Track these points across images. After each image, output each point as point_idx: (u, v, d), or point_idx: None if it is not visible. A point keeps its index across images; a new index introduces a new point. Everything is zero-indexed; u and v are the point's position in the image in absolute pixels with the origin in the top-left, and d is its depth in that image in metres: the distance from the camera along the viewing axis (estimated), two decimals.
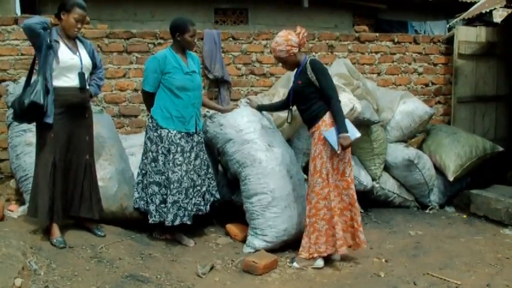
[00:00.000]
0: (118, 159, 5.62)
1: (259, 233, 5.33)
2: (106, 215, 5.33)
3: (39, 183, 4.77)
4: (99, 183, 5.26)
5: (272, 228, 5.29)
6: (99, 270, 4.49)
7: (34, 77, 4.74)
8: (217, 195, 5.68)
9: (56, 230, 4.82)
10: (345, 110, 4.83)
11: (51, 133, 4.72)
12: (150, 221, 5.32)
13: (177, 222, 5.25)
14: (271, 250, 5.24)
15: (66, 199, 4.93)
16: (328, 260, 5.09)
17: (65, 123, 4.80)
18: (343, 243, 4.95)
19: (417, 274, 4.86)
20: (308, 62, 4.98)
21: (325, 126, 4.89)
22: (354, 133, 4.92)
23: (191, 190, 5.33)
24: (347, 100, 4.89)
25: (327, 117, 4.91)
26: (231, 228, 5.82)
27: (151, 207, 5.32)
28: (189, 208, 5.31)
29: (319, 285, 4.67)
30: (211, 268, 4.87)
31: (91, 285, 4.20)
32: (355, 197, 5.10)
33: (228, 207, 6.12)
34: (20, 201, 5.72)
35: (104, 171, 5.44)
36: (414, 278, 4.75)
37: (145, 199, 5.40)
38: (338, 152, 4.85)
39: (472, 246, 5.64)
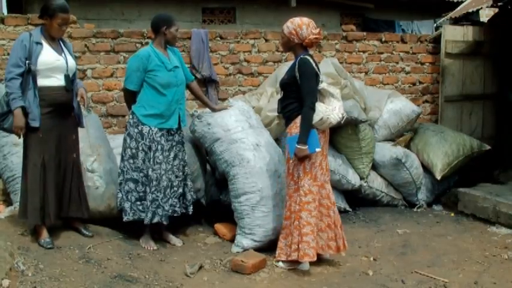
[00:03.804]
0: (105, 159, 5.60)
1: (247, 233, 5.33)
2: (94, 215, 5.30)
3: (29, 185, 4.74)
4: (88, 183, 5.26)
5: (260, 227, 5.30)
6: (87, 270, 4.47)
7: None
8: (194, 196, 5.63)
9: (43, 230, 4.81)
10: (315, 118, 4.76)
11: (39, 133, 4.71)
12: (124, 219, 5.24)
13: (155, 220, 5.20)
14: (259, 249, 5.24)
15: (58, 200, 4.91)
16: (317, 259, 5.10)
17: (53, 123, 4.79)
18: (308, 251, 4.81)
19: (405, 272, 4.89)
20: (298, 60, 4.85)
21: (296, 128, 4.80)
22: (313, 146, 4.74)
23: (169, 190, 5.28)
24: (323, 109, 4.79)
25: (299, 120, 4.81)
26: (220, 227, 5.81)
27: (126, 205, 5.23)
28: (166, 208, 5.24)
29: (308, 284, 4.68)
30: (200, 268, 4.86)
31: (79, 286, 4.19)
32: (322, 201, 4.95)
33: (216, 206, 6.11)
34: (7, 202, 5.68)
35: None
36: (402, 276, 4.77)
37: (124, 197, 5.32)
38: (291, 161, 4.82)
39: (460, 244, 5.67)
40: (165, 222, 5.28)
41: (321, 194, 4.94)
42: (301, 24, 4.84)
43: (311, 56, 4.93)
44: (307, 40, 4.85)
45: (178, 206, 5.42)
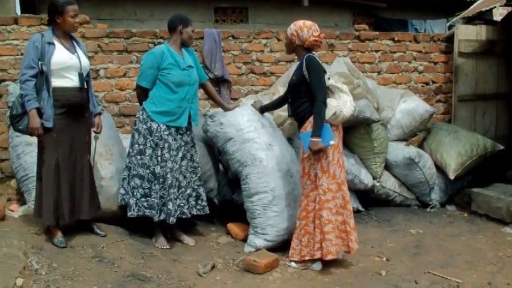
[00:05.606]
0: (118, 158, 5.62)
1: (260, 232, 5.33)
2: (106, 214, 5.33)
3: (43, 185, 4.77)
4: (101, 183, 5.28)
5: (273, 227, 5.29)
6: (100, 269, 4.49)
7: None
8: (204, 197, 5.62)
9: (57, 230, 4.83)
10: (328, 113, 4.78)
11: (53, 133, 4.73)
12: (128, 215, 5.24)
13: (161, 218, 5.20)
14: (272, 249, 5.23)
15: (72, 200, 4.92)
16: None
17: (67, 123, 4.81)
18: (331, 249, 4.82)
19: (418, 273, 4.86)
20: (305, 58, 4.87)
21: (311, 128, 4.78)
22: (327, 139, 4.72)
23: (175, 190, 5.25)
24: (335, 104, 4.82)
25: (312, 119, 4.81)
26: (232, 227, 5.81)
27: (132, 201, 5.23)
28: (170, 207, 5.19)
29: (320, 284, 4.67)
30: (212, 267, 4.86)
31: (92, 285, 4.20)
32: (347, 198, 4.98)
33: (229, 206, 6.11)
34: (21, 201, 5.72)
35: (105, 171, 5.46)
36: (415, 277, 4.75)
37: (129, 193, 5.32)
38: (305, 155, 4.82)
39: (473, 244, 5.64)
40: (168, 221, 5.25)
41: (343, 191, 4.94)
42: (303, 27, 4.92)
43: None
44: (308, 42, 4.90)
45: (186, 207, 5.39)
